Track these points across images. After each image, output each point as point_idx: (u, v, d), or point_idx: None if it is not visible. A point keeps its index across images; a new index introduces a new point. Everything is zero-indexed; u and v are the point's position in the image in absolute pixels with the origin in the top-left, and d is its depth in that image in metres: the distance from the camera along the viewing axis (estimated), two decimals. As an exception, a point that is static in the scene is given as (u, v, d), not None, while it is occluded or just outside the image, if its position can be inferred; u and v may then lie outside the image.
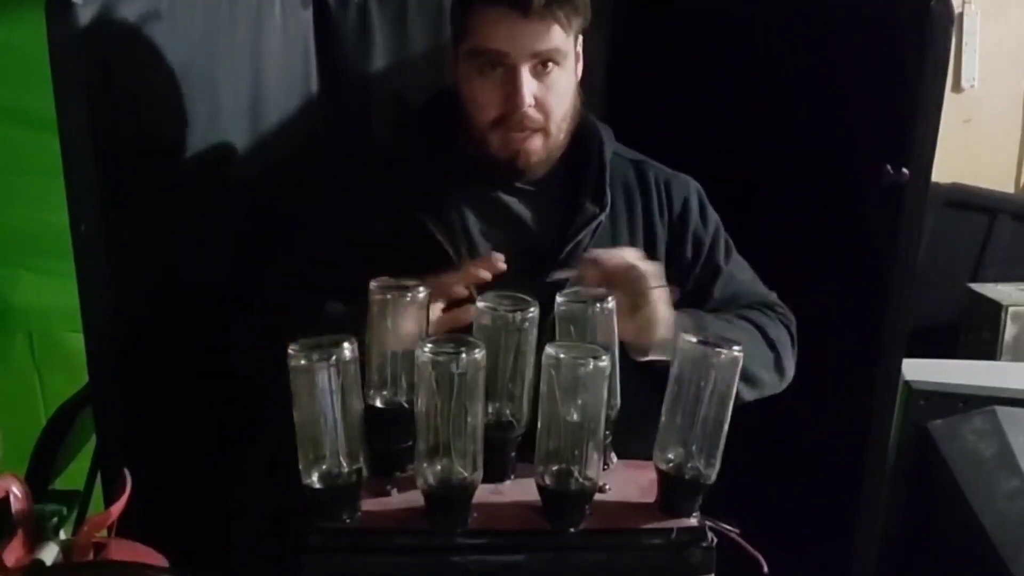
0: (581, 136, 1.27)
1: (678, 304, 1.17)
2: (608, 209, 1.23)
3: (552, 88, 1.16)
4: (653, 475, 0.96)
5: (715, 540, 0.93)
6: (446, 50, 1.27)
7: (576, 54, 1.22)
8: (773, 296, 1.32)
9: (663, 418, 0.95)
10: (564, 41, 1.15)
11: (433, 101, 1.31)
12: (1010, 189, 2.85)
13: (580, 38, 1.22)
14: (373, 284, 1.01)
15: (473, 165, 1.24)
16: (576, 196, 1.23)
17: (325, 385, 0.89)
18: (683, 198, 1.30)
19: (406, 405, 0.99)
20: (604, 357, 0.89)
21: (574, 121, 1.23)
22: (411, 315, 0.99)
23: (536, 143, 1.18)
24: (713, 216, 1.32)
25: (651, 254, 1.25)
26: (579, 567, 0.93)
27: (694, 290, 1.29)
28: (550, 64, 1.15)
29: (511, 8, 1.11)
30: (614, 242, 1.24)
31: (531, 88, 1.14)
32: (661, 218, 1.28)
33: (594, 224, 1.22)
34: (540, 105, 1.16)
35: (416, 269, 1.04)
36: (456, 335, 0.91)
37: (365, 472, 0.92)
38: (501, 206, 1.24)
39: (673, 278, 1.27)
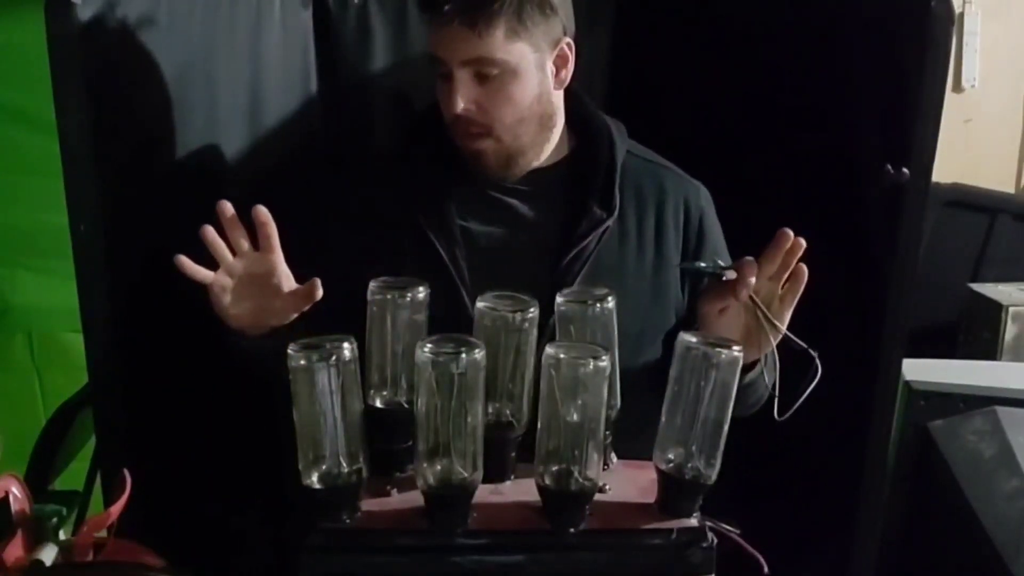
0: (588, 135, 1.26)
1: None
2: (616, 213, 1.22)
3: (497, 94, 1.15)
4: (653, 475, 0.96)
5: (715, 540, 0.93)
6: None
7: (562, 57, 1.19)
8: None
9: (663, 418, 0.96)
10: (501, 50, 1.12)
11: (436, 104, 1.30)
12: (1010, 189, 2.86)
13: (566, 39, 1.19)
14: (373, 284, 1.01)
15: (472, 167, 1.23)
16: (583, 198, 1.22)
17: (325, 385, 0.89)
18: (700, 208, 1.28)
19: (406, 405, 0.99)
20: (604, 357, 0.89)
21: (546, 128, 1.21)
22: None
23: (485, 145, 1.18)
24: (720, 227, 1.32)
25: (659, 261, 1.25)
26: (579, 567, 0.94)
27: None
28: (492, 71, 1.14)
29: (427, 13, 1.14)
30: (621, 246, 1.23)
31: (468, 94, 1.14)
32: (676, 226, 1.26)
33: (601, 229, 1.20)
34: (482, 110, 1.15)
35: (416, 272, 1.04)
36: (456, 335, 0.91)
37: (365, 472, 0.92)
38: (503, 208, 1.23)
39: (693, 290, 1.28)
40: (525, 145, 1.20)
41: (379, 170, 1.32)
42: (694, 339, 0.94)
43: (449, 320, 0.99)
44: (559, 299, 1.01)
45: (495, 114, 1.16)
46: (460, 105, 1.14)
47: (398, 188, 1.23)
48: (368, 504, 0.95)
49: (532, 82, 1.17)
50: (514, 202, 1.23)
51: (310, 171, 1.50)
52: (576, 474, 0.91)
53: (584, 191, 1.23)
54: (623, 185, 1.23)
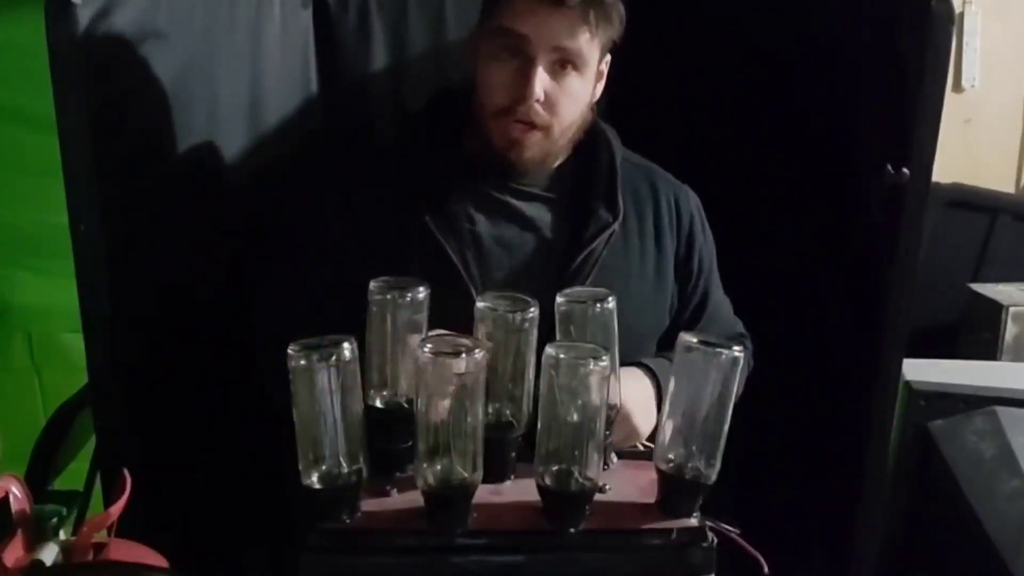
0: (591, 140, 1.27)
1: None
2: (621, 216, 1.22)
3: (565, 90, 1.15)
4: (653, 475, 0.96)
5: (715, 540, 0.93)
6: (465, 40, 1.26)
7: (599, 72, 1.21)
8: (740, 326, 1.32)
9: (663, 418, 0.95)
10: (587, 45, 1.13)
11: (435, 101, 1.30)
12: (1011, 189, 2.85)
13: (608, 57, 1.21)
14: (373, 284, 1.01)
15: (478, 166, 1.23)
16: (587, 202, 1.23)
17: (325, 385, 0.89)
18: (690, 211, 1.30)
19: (406, 405, 0.99)
20: (604, 357, 0.89)
21: (580, 131, 1.22)
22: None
23: (535, 138, 1.17)
24: (711, 234, 1.32)
25: (660, 263, 1.26)
26: (579, 568, 0.93)
27: (680, 307, 1.29)
28: (568, 66, 1.14)
29: None
30: (625, 249, 1.24)
31: (543, 83, 1.12)
32: (671, 228, 1.28)
33: (608, 232, 1.21)
34: (549, 103, 1.14)
35: (421, 272, 1.03)
36: (456, 335, 0.91)
37: (365, 472, 0.92)
38: (511, 209, 1.23)
39: (679, 293, 1.28)
40: (561, 147, 1.21)
41: (383, 168, 1.31)
42: (694, 339, 0.94)
43: (462, 323, 0.98)
44: (559, 299, 1.01)
45: (559, 109, 1.15)
46: (540, 92, 1.12)
47: (404, 187, 1.22)
48: (368, 504, 0.94)
49: (589, 86, 1.18)
50: (520, 204, 1.23)
51: (312, 170, 1.50)
52: (576, 474, 0.91)
53: (588, 194, 1.23)
54: (623, 190, 1.24)
